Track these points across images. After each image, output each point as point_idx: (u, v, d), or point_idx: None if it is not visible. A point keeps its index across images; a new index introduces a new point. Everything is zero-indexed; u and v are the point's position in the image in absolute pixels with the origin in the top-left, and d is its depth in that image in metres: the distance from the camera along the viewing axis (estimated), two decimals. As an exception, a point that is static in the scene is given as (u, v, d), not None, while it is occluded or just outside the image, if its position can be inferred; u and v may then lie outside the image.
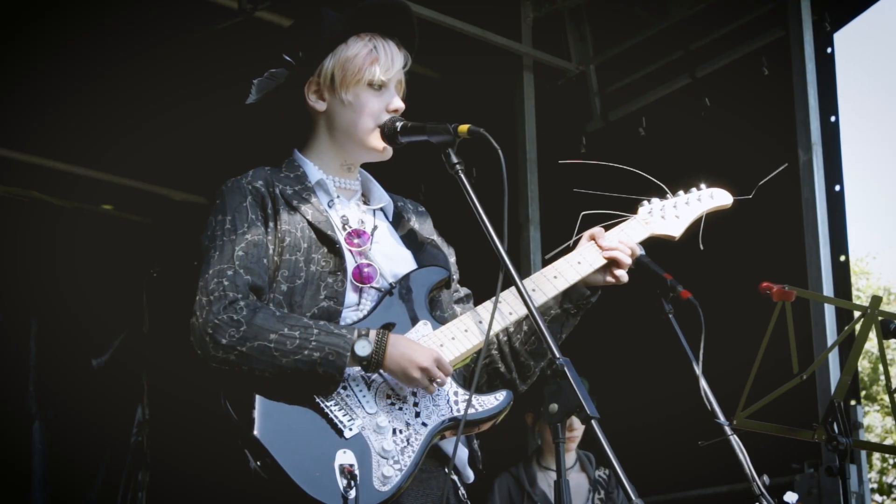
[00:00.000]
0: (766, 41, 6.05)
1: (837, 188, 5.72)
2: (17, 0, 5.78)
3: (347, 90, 2.87)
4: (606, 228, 3.01)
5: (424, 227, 3.05)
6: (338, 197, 2.91)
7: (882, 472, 21.83)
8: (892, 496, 21.95)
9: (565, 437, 2.48)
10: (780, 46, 5.94)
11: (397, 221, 3.01)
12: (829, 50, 5.88)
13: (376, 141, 2.88)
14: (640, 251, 3.06)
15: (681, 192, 3.15)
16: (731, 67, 6.23)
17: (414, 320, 2.79)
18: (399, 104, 2.90)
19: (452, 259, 3.05)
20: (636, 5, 6.68)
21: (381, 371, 2.67)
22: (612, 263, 2.94)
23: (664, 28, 6.52)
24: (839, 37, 5.98)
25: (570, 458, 5.10)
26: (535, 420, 5.21)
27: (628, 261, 2.96)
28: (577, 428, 5.05)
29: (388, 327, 2.71)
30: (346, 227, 2.85)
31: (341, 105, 2.88)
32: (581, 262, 2.92)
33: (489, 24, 6.48)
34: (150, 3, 5.84)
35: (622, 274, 2.96)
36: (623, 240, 2.97)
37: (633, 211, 3.09)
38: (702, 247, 3.06)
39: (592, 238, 2.96)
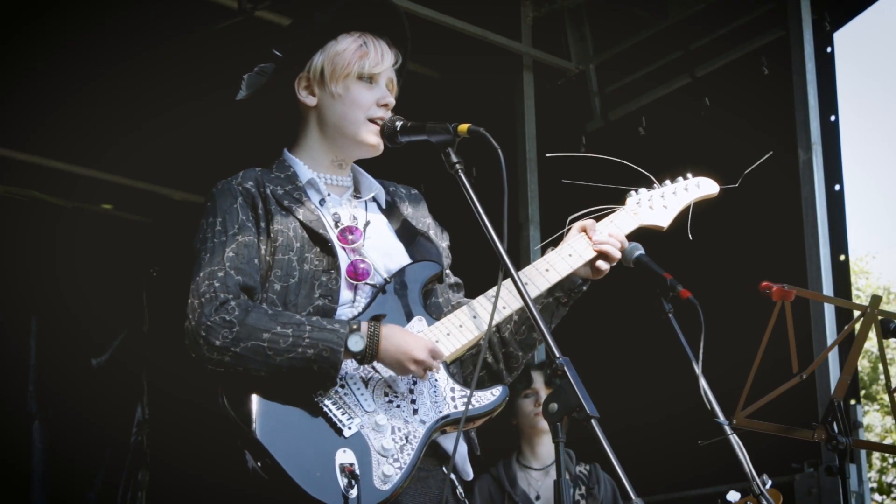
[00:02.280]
0: (766, 41, 6.04)
1: (837, 188, 5.71)
2: (17, 0, 5.78)
3: (337, 83, 2.88)
4: (597, 219, 3.02)
5: (418, 214, 3.05)
6: (329, 195, 2.92)
7: (882, 471, 21.83)
8: (892, 496, 21.94)
9: (565, 437, 2.47)
10: (779, 46, 5.94)
11: (390, 211, 3.01)
12: (828, 49, 5.87)
13: (367, 134, 2.89)
14: (629, 246, 3.05)
15: (667, 182, 3.15)
16: (731, 67, 6.22)
17: (408, 316, 2.80)
18: (390, 99, 2.91)
19: (446, 244, 3.06)
20: (636, 5, 6.67)
21: (376, 363, 2.68)
22: (601, 256, 2.94)
23: (664, 28, 6.51)
24: (839, 36, 5.98)
25: (549, 455, 5.02)
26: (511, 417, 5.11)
27: (618, 254, 2.96)
28: None
29: (378, 318, 2.71)
30: (338, 224, 2.86)
31: (331, 98, 2.89)
32: (572, 254, 2.92)
33: (489, 23, 6.48)
34: (150, 3, 5.84)
35: (607, 268, 2.95)
36: (613, 233, 2.97)
37: (622, 202, 3.09)
38: (690, 237, 3.06)
39: (584, 230, 2.96)
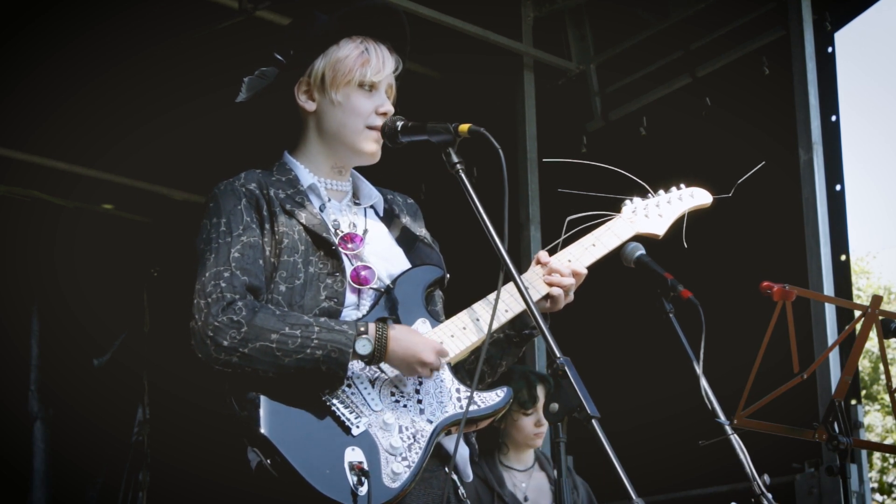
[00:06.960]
0: (767, 41, 6.05)
1: (838, 188, 5.72)
2: (17, 0, 5.78)
3: (338, 90, 2.87)
4: (594, 227, 3.01)
5: (415, 224, 3.05)
6: (329, 200, 2.92)
7: (882, 471, 21.84)
8: (893, 496, 21.95)
9: (566, 437, 2.47)
10: (780, 46, 5.94)
11: (388, 218, 3.01)
12: (829, 49, 5.88)
13: (365, 143, 2.89)
14: (630, 247, 3.02)
15: (661, 191, 3.16)
16: (732, 67, 6.22)
17: (412, 319, 2.79)
18: (389, 107, 2.90)
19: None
20: (636, 5, 6.68)
21: (383, 364, 2.68)
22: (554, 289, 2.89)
23: (664, 28, 6.52)
24: (840, 36, 5.98)
25: (530, 457, 5.01)
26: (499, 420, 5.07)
27: (568, 282, 2.89)
28: (543, 424, 4.92)
29: (384, 319, 2.71)
30: (337, 231, 2.85)
31: (331, 105, 2.89)
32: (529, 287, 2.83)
33: (490, 23, 6.48)
34: (151, 2, 5.84)
35: (559, 292, 2.88)
36: (575, 268, 2.91)
37: (619, 210, 3.09)
38: (685, 245, 3.06)
39: (538, 262, 2.93)
